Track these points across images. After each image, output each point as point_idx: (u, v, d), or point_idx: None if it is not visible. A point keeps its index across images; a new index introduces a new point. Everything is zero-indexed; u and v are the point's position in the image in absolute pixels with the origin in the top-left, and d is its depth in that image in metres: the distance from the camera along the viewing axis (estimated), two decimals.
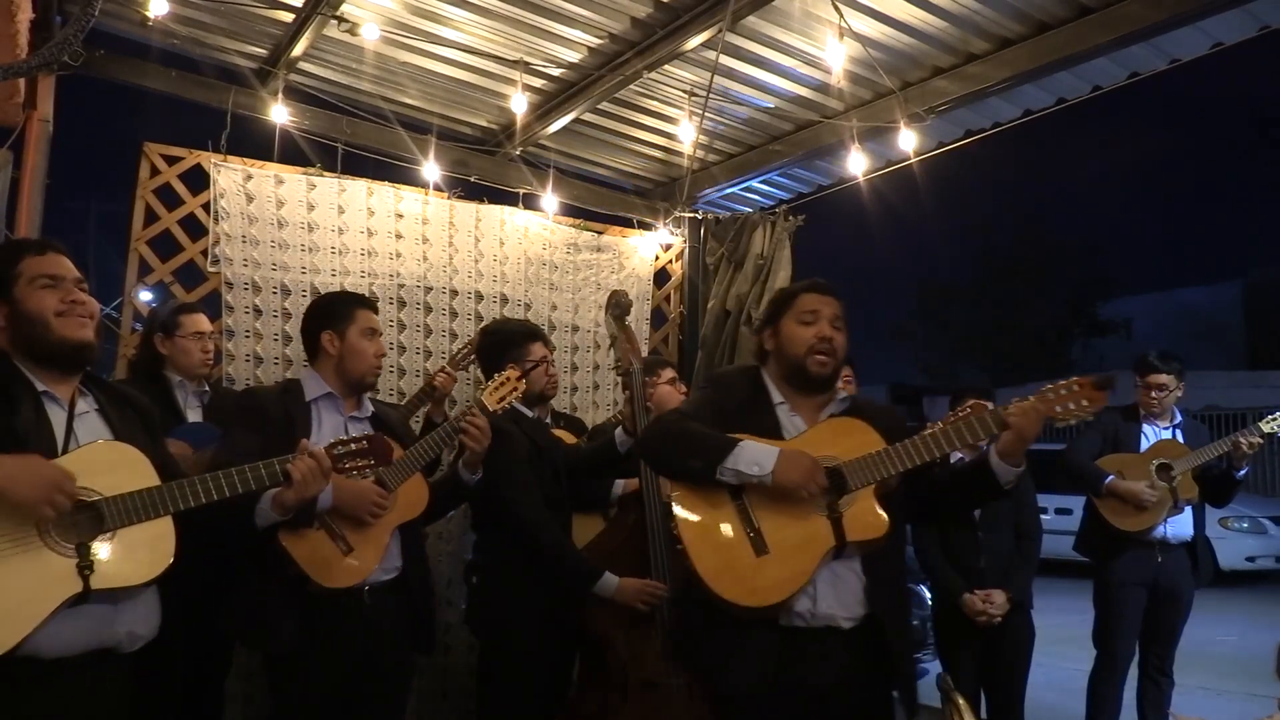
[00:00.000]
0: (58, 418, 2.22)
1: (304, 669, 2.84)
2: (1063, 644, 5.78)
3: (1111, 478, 4.35)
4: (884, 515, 2.52)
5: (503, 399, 3.27)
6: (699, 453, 2.48)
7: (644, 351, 5.81)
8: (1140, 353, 4.71)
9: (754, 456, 2.43)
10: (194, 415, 3.71)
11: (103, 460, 2.20)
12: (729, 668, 2.47)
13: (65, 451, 2.18)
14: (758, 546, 2.45)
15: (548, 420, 4.37)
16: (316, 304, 3.23)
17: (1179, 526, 4.42)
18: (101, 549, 2.10)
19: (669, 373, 4.31)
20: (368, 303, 3.20)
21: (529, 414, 3.66)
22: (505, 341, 3.66)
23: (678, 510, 2.52)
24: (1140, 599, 4.41)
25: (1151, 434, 4.52)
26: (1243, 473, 4.41)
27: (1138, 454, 4.44)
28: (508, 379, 3.29)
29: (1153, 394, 4.50)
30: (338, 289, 4.87)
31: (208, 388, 3.87)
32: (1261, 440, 4.34)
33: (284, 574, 2.79)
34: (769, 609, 2.44)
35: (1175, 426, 4.54)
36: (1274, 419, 4.39)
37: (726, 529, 2.48)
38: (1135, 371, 4.60)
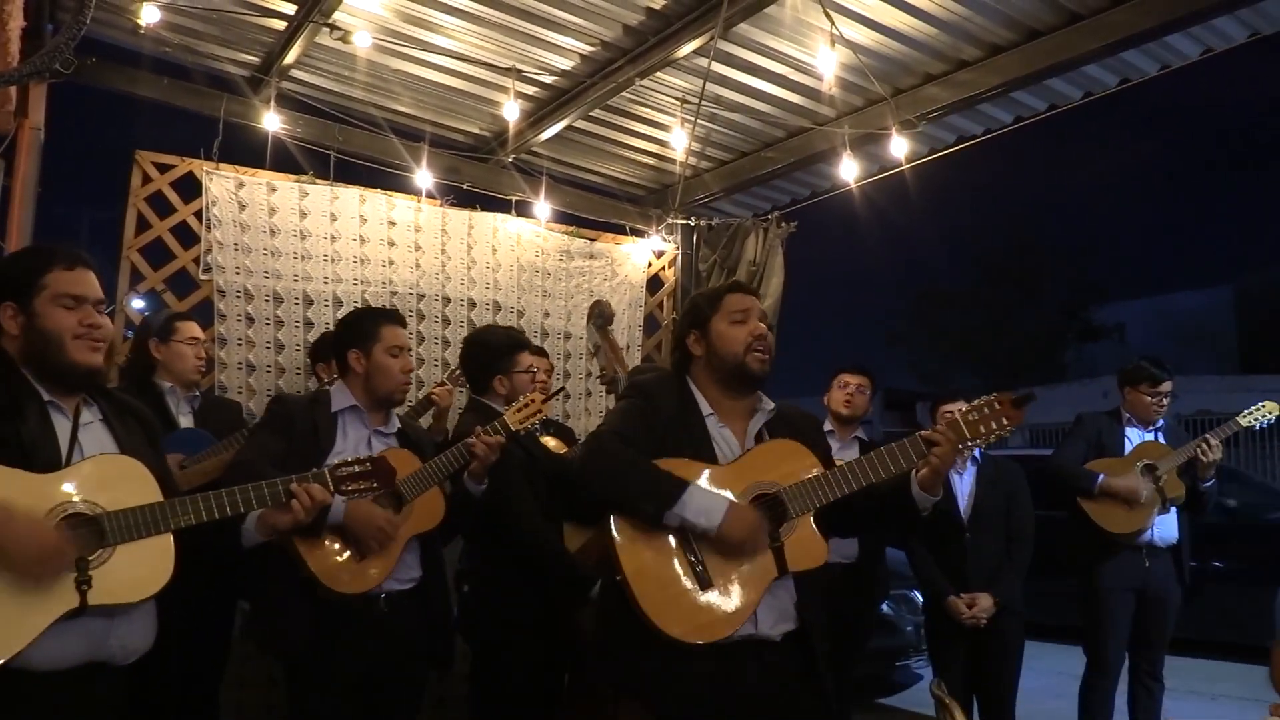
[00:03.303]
0: (63, 428, 2.21)
1: (321, 676, 2.84)
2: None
3: (1103, 477, 4.37)
4: (823, 543, 2.51)
5: (525, 419, 3.27)
6: (647, 495, 2.40)
7: (636, 359, 5.83)
8: (1129, 361, 4.71)
9: (701, 505, 2.39)
10: (185, 422, 3.70)
11: (106, 474, 2.18)
12: (668, 692, 2.39)
13: (69, 461, 2.16)
14: (702, 580, 2.39)
15: (536, 427, 4.36)
16: (344, 322, 3.25)
17: (1165, 529, 4.43)
18: (101, 564, 2.08)
19: None
20: (395, 318, 3.19)
21: None
22: (491, 352, 3.65)
23: (619, 538, 2.41)
24: (1129, 603, 4.41)
25: (1135, 437, 4.54)
26: (1209, 484, 4.41)
27: (1122, 458, 4.46)
28: (532, 400, 3.31)
29: (1163, 401, 4.53)
30: (330, 297, 4.88)
31: (198, 394, 3.87)
32: (1231, 435, 4.37)
33: (298, 578, 2.79)
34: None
35: (1157, 430, 4.56)
36: (1250, 413, 4.41)
37: (669, 561, 2.41)
38: (1133, 381, 4.58)
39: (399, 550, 2.92)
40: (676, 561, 2.41)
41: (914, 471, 2.49)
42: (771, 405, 2.70)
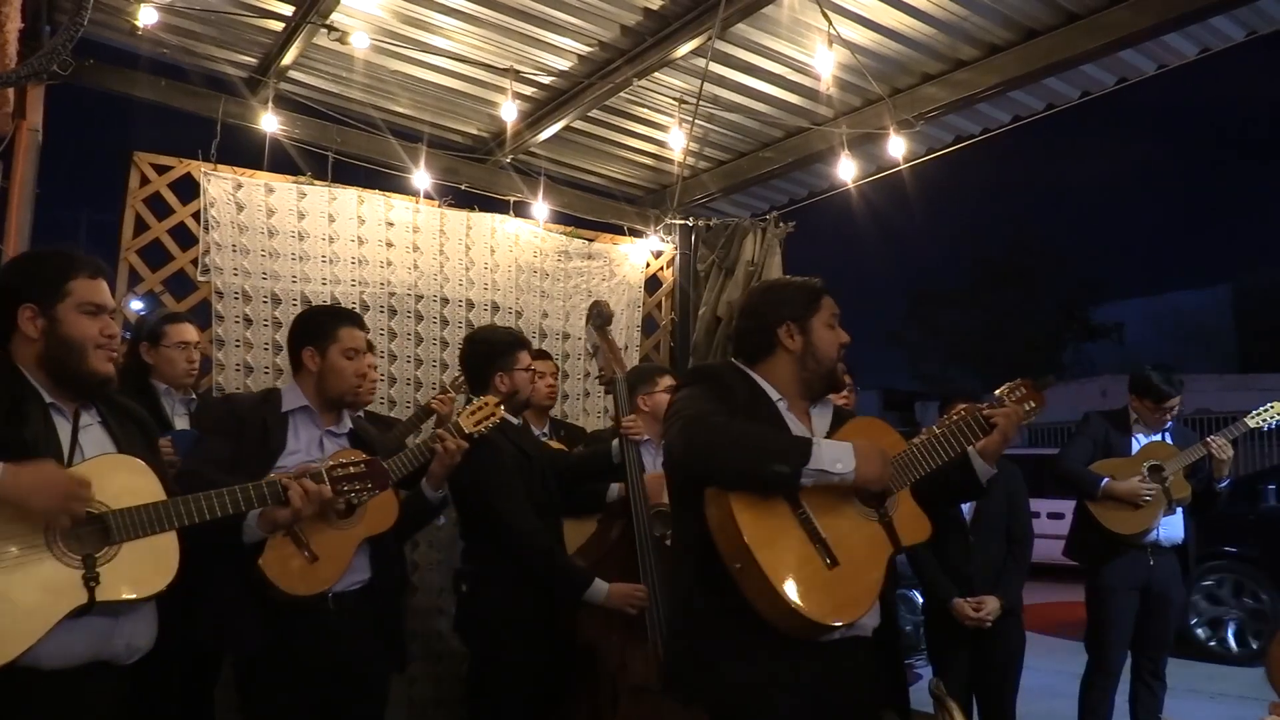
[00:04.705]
0: (64, 429, 2.23)
1: (272, 677, 2.83)
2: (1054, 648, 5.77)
3: (1108, 480, 4.37)
4: (927, 518, 2.48)
5: (479, 423, 3.25)
6: (778, 456, 2.25)
7: (635, 359, 5.83)
8: (1138, 368, 4.64)
9: (834, 454, 2.26)
10: (181, 423, 3.70)
11: (110, 473, 2.20)
12: (775, 696, 2.27)
13: (71, 463, 2.18)
14: (828, 557, 2.28)
15: (545, 430, 4.37)
16: (301, 318, 3.20)
17: (1170, 529, 4.44)
18: (107, 561, 2.11)
19: (667, 380, 4.15)
20: (353, 320, 3.14)
21: (514, 421, 3.65)
22: (492, 350, 3.65)
23: (744, 524, 2.24)
24: (1133, 603, 4.41)
25: (1142, 437, 4.54)
26: (1224, 483, 4.41)
27: (1128, 458, 4.46)
28: (486, 403, 3.28)
29: (1168, 416, 4.53)
30: (328, 298, 4.88)
31: (195, 396, 3.86)
32: (1239, 436, 4.37)
33: (249, 577, 2.77)
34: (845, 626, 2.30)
35: (1164, 430, 4.56)
36: (1258, 413, 4.41)
37: (795, 541, 2.28)
38: (1139, 393, 4.57)
39: (351, 551, 2.90)
40: (800, 539, 2.30)
41: (973, 445, 2.52)
42: (831, 401, 2.66)
